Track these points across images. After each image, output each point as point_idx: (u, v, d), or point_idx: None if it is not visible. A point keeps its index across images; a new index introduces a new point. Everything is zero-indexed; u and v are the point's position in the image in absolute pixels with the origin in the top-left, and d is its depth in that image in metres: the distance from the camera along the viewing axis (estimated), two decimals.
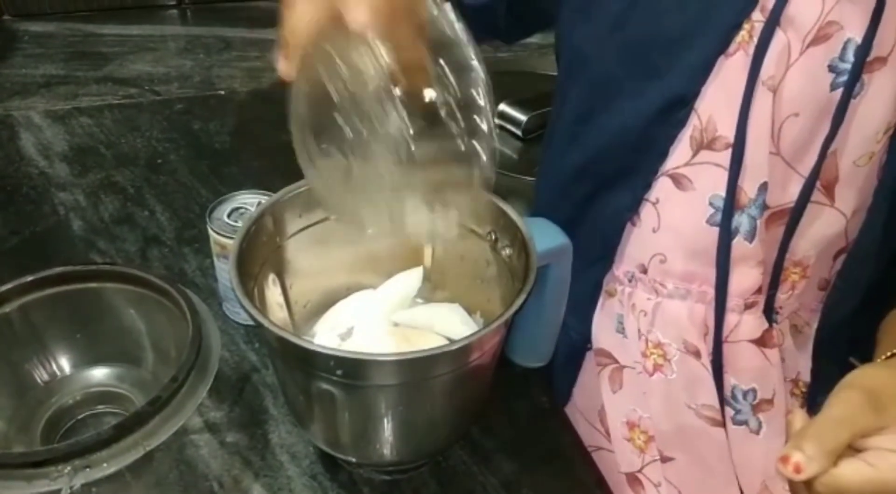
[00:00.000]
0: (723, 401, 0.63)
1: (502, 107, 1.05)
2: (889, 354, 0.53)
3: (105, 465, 0.49)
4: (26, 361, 0.60)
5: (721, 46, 0.53)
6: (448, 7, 0.47)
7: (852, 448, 0.44)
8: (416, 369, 0.50)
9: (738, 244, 0.58)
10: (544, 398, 0.68)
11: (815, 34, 0.51)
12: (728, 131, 0.55)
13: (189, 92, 1.07)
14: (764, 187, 0.55)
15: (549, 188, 0.70)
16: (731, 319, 0.61)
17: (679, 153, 0.57)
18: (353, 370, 0.49)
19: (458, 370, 0.51)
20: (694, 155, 0.57)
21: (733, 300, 0.60)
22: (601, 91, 0.60)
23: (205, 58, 1.15)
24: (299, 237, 0.59)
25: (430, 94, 0.45)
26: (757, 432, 0.63)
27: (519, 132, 1.03)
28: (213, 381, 0.54)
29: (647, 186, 0.60)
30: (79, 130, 0.97)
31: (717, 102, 0.55)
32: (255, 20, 1.26)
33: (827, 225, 0.59)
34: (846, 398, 0.46)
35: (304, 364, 0.51)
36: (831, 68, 0.52)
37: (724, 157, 0.55)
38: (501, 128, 1.05)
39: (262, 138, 0.98)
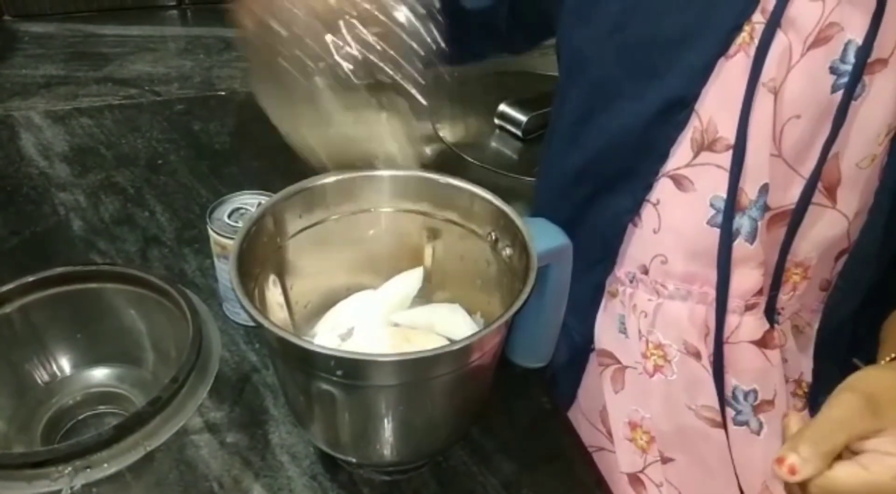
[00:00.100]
0: (723, 402, 0.63)
1: (502, 107, 1.05)
2: (891, 357, 0.53)
3: (105, 465, 0.49)
4: (27, 361, 0.60)
5: (721, 48, 0.53)
6: None
7: (850, 451, 0.45)
8: (416, 369, 0.50)
9: (740, 246, 0.58)
10: (544, 398, 0.68)
11: (816, 36, 0.51)
12: (729, 133, 0.55)
13: (189, 92, 1.07)
14: (765, 189, 0.55)
15: (550, 189, 0.70)
16: (731, 320, 0.61)
17: (680, 154, 0.57)
18: (353, 370, 0.49)
19: (458, 371, 0.51)
20: (695, 156, 0.57)
21: (734, 302, 0.60)
22: (601, 92, 0.61)
23: (205, 58, 1.15)
24: (300, 238, 0.59)
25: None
26: (758, 432, 0.63)
27: (519, 133, 1.03)
28: (213, 381, 0.54)
29: (648, 187, 0.60)
30: (79, 130, 0.97)
31: (717, 104, 0.55)
32: None
33: (829, 227, 0.59)
34: (844, 400, 0.46)
35: (305, 365, 0.51)
36: (832, 70, 0.52)
37: (725, 158, 0.55)
38: (501, 129, 1.05)
39: (262, 139, 0.97)
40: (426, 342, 0.59)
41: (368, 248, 0.63)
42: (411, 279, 0.63)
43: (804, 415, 0.64)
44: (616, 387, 0.68)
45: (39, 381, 0.60)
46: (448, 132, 1.04)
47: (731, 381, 0.63)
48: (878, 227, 0.58)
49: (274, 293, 0.59)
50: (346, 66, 0.52)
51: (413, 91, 0.54)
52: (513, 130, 1.04)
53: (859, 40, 0.51)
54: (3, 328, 0.58)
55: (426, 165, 0.61)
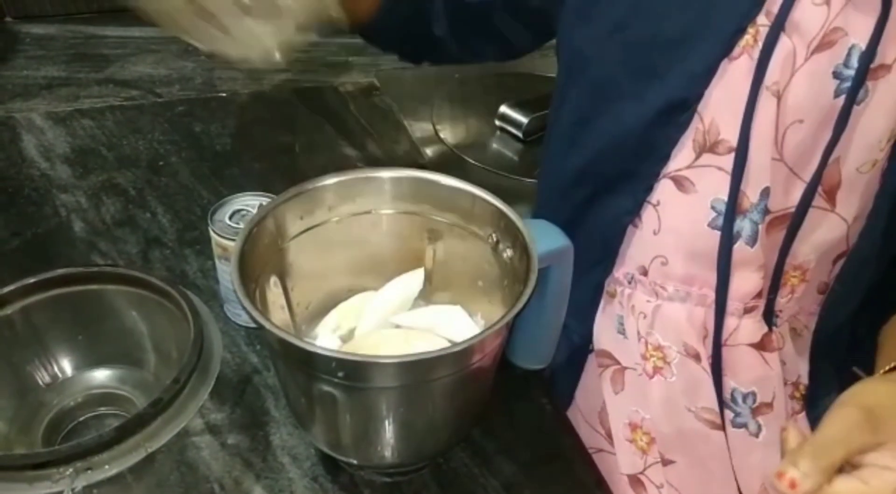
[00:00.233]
0: (722, 404, 0.63)
1: (503, 109, 1.05)
2: (889, 367, 0.53)
3: (107, 467, 0.49)
4: (28, 363, 0.60)
5: (724, 50, 0.53)
6: None
7: (849, 465, 0.45)
8: (417, 371, 0.50)
9: (740, 249, 0.58)
10: (545, 399, 0.68)
11: (821, 40, 0.51)
12: (731, 135, 0.55)
13: (190, 94, 1.07)
14: (766, 192, 0.55)
15: (550, 190, 0.70)
16: (730, 322, 0.61)
17: (681, 156, 0.57)
18: (354, 372, 0.49)
19: (459, 373, 0.51)
20: (696, 158, 0.57)
21: (733, 304, 0.60)
22: (601, 93, 0.60)
23: (206, 60, 1.15)
24: (301, 239, 0.59)
25: None
26: (756, 435, 0.63)
27: (520, 134, 1.03)
28: (214, 383, 0.54)
29: (648, 189, 0.60)
30: (80, 131, 0.97)
31: (720, 106, 0.55)
32: None
33: (828, 230, 0.59)
34: (843, 415, 0.46)
35: (306, 366, 0.51)
36: (836, 75, 0.52)
37: (727, 161, 0.55)
38: (502, 130, 1.05)
39: (263, 140, 0.98)
40: (427, 344, 0.59)
41: (369, 249, 0.63)
42: (412, 281, 0.63)
43: (803, 428, 0.64)
44: (616, 388, 0.68)
45: (41, 382, 0.60)
46: (449, 134, 1.04)
47: (729, 383, 0.63)
48: (876, 231, 0.58)
49: (275, 295, 0.59)
50: None
51: None
52: (513, 131, 1.04)
53: (863, 45, 0.51)
54: (4, 329, 0.58)
55: (426, 166, 0.61)
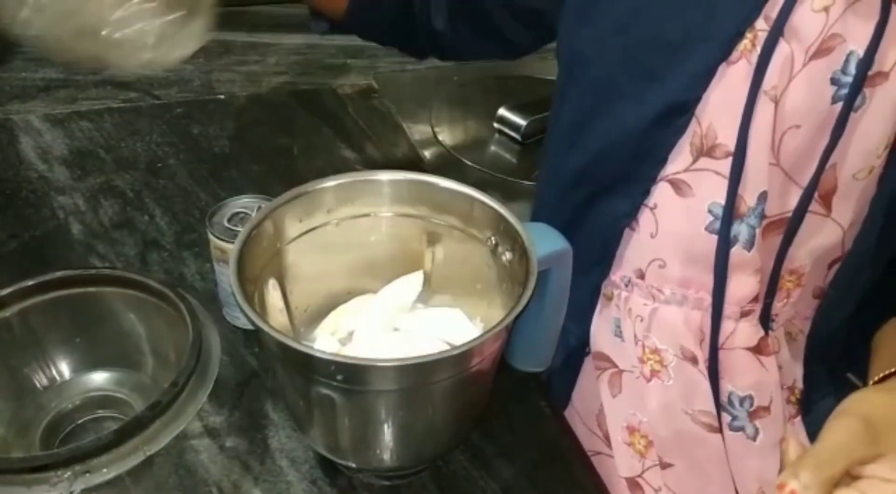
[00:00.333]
0: (719, 407, 0.63)
1: (502, 112, 1.05)
2: (883, 374, 0.53)
3: (105, 470, 0.49)
4: (26, 365, 0.60)
5: (723, 54, 0.53)
6: None
7: (848, 476, 0.45)
8: (416, 374, 0.50)
9: (737, 253, 0.58)
10: (544, 402, 0.68)
11: (819, 46, 0.51)
12: (728, 140, 0.55)
13: (189, 96, 1.07)
14: (763, 197, 0.56)
15: (549, 190, 0.70)
16: (727, 326, 0.61)
17: (679, 159, 0.58)
18: (353, 375, 0.49)
19: (458, 376, 0.51)
20: (694, 161, 0.57)
21: (730, 308, 0.60)
22: (601, 94, 0.61)
23: (204, 62, 1.15)
24: (299, 242, 0.59)
25: None
26: (754, 439, 0.63)
27: (518, 137, 1.03)
28: (212, 386, 0.54)
29: (646, 192, 0.60)
30: (78, 133, 0.97)
31: (718, 110, 0.55)
32: (254, 25, 1.25)
33: (824, 235, 0.59)
34: (843, 426, 0.46)
35: (304, 369, 0.51)
36: (833, 81, 0.52)
37: (725, 165, 0.55)
38: (501, 133, 1.05)
39: (261, 143, 0.98)
40: (426, 347, 0.59)
41: (368, 252, 0.63)
42: (411, 284, 0.63)
43: (799, 432, 0.64)
44: (613, 391, 0.68)
45: (39, 385, 0.60)
46: (447, 136, 1.04)
47: (726, 387, 0.63)
48: (871, 236, 0.58)
49: (274, 297, 0.59)
50: None
51: None
52: (512, 134, 1.04)
53: (861, 52, 0.51)
54: (2, 332, 0.58)
55: (425, 169, 0.61)
